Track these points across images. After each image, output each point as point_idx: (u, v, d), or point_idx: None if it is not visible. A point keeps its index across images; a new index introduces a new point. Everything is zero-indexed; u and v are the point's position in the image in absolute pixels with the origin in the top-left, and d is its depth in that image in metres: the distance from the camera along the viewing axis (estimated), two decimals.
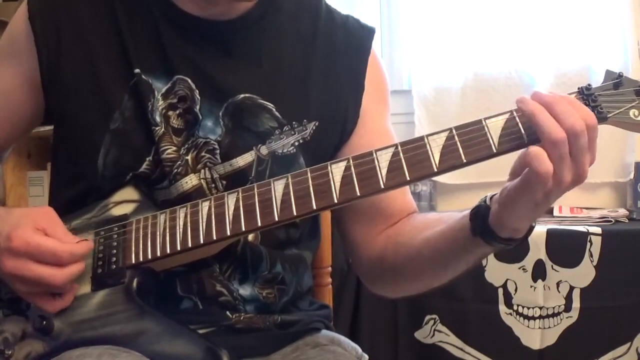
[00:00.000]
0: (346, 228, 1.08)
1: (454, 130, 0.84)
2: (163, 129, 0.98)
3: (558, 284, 1.91)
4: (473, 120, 0.85)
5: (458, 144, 0.84)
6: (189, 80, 0.99)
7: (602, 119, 0.83)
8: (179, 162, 0.98)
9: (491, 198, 0.87)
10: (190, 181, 0.98)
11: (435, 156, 0.84)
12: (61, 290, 0.90)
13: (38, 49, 1.00)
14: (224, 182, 0.99)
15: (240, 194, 0.90)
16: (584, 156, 0.79)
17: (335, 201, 0.86)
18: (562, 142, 0.78)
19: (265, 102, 1.00)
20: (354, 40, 1.08)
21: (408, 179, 0.85)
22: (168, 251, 0.90)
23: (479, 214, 0.87)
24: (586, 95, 0.84)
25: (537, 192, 0.80)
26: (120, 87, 0.99)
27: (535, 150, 0.79)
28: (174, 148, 0.98)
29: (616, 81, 0.86)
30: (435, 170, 0.84)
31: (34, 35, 1.00)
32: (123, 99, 0.99)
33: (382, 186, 0.85)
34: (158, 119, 0.98)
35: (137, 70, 0.98)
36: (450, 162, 0.84)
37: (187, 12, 1.00)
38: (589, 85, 0.85)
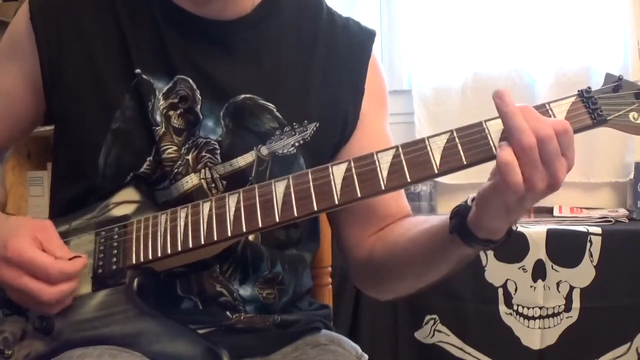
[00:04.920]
0: (340, 230, 1.08)
1: (454, 132, 0.85)
2: (164, 129, 0.98)
3: (558, 284, 1.91)
4: (474, 123, 0.85)
5: (459, 145, 0.84)
6: (190, 80, 0.99)
7: (602, 121, 0.84)
8: (180, 162, 0.98)
9: (473, 199, 0.87)
10: (190, 181, 0.98)
11: (436, 158, 0.84)
12: (51, 307, 0.89)
13: (39, 48, 1.00)
14: (224, 182, 0.99)
15: (241, 194, 0.90)
16: (555, 162, 0.78)
17: (336, 202, 0.87)
18: (532, 149, 0.78)
19: (266, 102, 1.00)
20: (355, 43, 1.08)
21: (409, 180, 0.85)
22: (169, 251, 0.90)
23: (459, 213, 0.87)
24: (586, 98, 0.85)
25: (509, 198, 0.80)
26: (121, 86, 0.99)
27: (505, 158, 0.78)
28: (175, 148, 0.98)
29: (616, 84, 0.86)
30: (436, 171, 0.84)
31: (35, 35, 1.00)
32: (124, 99, 0.99)
33: (383, 187, 0.86)
34: (159, 118, 0.98)
35: (138, 70, 0.98)
36: (451, 163, 0.84)
37: (187, 10, 1.00)
38: (589, 88, 0.86)
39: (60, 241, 0.92)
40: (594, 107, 0.84)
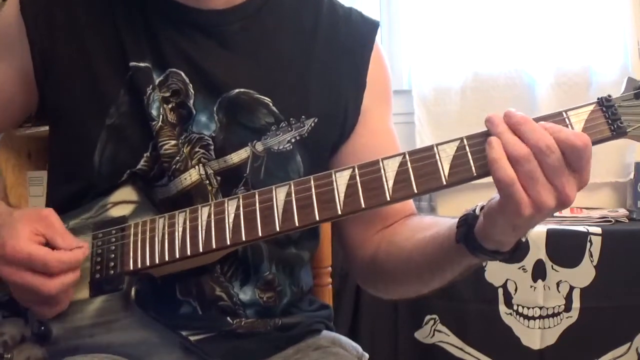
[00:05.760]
0: (342, 228, 1.06)
1: (464, 140, 0.81)
2: (160, 123, 0.96)
3: (558, 284, 1.91)
4: (485, 130, 0.81)
5: (469, 155, 0.80)
6: (183, 74, 0.97)
7: (621, 133, 0.80)
8: (177, 158, 0.96)
9: (482, 208, 0.83)
10: (189, 177, 0.96)
11: (445, 168, 0.81)
12: (54, 299, 0.88)
13: (30, 42, 0.98)
14: (219, 177, 0.97)
15: (240, 200, 0.88)
16: (559, 176, 0.75)
17: (339, 212, 0.84)
18: (524, 159, 0.75)
19: (261, 96, 0.98)
20: (357, 35, 1.05)
21: (415, 191, 0.82)
22: (167, 258, 0.89)
23: (467, 222, 0.84)
24: (606, 107, 0.80)
25: (515, 218, 0.77)
26: (116, 81, 0.97)
27: (492, 155, 0.76)
28: (173, 142, 0.96)
29: (638, 91, 0.81)
30: (444, 183, 0.81)
31: (26, 28, 0.98)
32: (119, 94, 0.97)
33: (388, 198, 0.83)
34: (154, 112, 0.96)
35: (132, 63, 0.96)
36: (460, 174, 0.81)
37: (177, 2, 0.98)
38: (609, 96, 0.81)
39: (64, 228, 0.91)
40: (613, 118, 0.79)
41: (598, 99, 0.81)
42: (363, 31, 1.06)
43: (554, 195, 0.76)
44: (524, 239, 0.84)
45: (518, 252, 0.84)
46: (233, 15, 0.99)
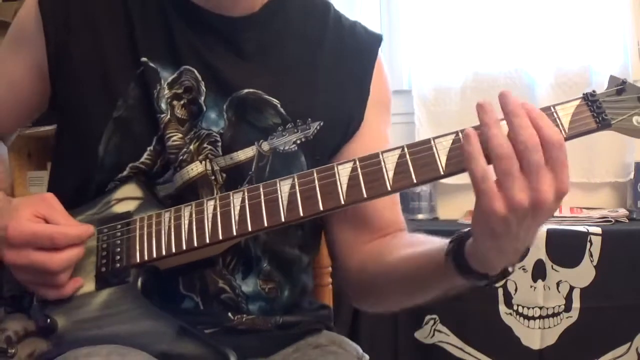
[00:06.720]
0: (332, 234, 1.07)
1: (460, 134, 0.84)
2: (169, 117, 0.98)
3: (558, 284, 1.91)
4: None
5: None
6: (196, 72, 0.99)
7: (606, 125, 0.83)
8: (185, 150, 0.97)
9: None
10: (196, 168, 0.97)
11: (442, 159, 0.84)
12: (60, 277, 0.89)
13: (46, 34, 1.00)
14: (224, 174, 0.99)
15: (245, 193, 0.90)
16: (537, 174, 0.74)
17: (342, 202, 0.86)
18: (506, 157, 0.74)
19: (270, 97, 1.00)
20: (362, 46, 1.09)
21: (415, 181, 0.85)
22: (173, 250, 0.90)
23: (458, 238, 0.84)
24: (591, 101, 0.84)
25: (491, 220, 0.75)
26: (126, 74, 0.99)
27: (469, 147, 0.76)
28: (180, 135, 0.98)
29: (619, 87, 0.85)
30: (442, 173, 0.84)
31: (43, 21, 1.00)
32: (128, 87, 0.98)
33: (389, 188, 0.85)
34: (164, 106, 0.98)
35: (144, 59, 0.98)
36: (457, 165, 0.83)
37: (196, 4, 1.00)
38: (594, 91, 0.85)
39: (65, 211, 0.92)
40: (598, 111, 0.83)
41: (583, 94, 0.85)
42: (367, 44, 1.10)
43: (528, 193, 0.74)
44: (510, 269, 0.84)
45: (501, 277, 0.84)
46: (246, 23, 1.01)
